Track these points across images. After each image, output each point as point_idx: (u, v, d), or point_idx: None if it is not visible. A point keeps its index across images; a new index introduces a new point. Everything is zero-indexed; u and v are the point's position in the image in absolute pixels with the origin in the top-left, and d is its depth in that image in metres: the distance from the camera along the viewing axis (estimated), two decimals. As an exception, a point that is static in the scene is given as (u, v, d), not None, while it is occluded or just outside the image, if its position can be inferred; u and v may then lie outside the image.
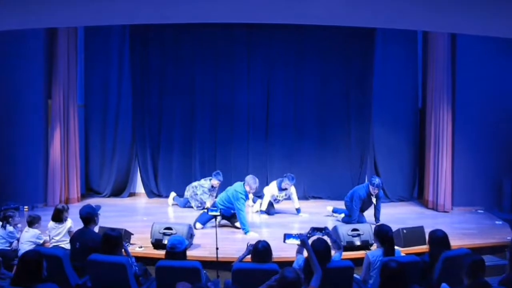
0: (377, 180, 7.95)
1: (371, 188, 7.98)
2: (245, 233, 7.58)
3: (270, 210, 8.92)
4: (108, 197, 10.20)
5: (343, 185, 10.19)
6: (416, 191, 10.37)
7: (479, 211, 9.38)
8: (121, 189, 10.36)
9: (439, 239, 5.16)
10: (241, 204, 7.68)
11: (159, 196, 10.37)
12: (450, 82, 9.30)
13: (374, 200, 8.09)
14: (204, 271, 4.94)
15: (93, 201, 8.83)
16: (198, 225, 7.84)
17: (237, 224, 7.94)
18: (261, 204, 8.99)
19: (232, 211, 7.89)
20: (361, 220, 8.00)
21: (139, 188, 10.54)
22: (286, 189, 8.76)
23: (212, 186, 9.15)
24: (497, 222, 8.64)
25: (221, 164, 10.18)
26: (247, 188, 7.80)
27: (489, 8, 5.24)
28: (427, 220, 8.25)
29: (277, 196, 8.89)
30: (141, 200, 10.32)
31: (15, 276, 4.13)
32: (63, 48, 9.27)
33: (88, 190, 10.37)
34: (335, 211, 8.70)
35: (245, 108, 10.27)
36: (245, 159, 10.24)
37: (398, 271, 4.24)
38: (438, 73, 9.31)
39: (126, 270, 4.78)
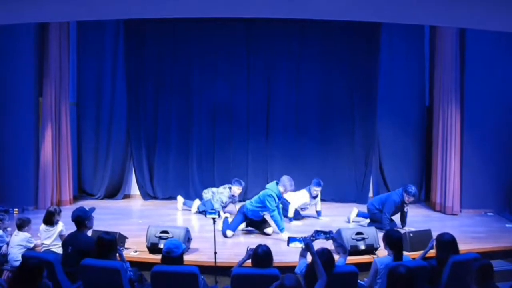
0: (413, 189, 7.87)
1: (406, 196, 7.89)
2: (281, 231, 7.56)
3: (297, 215, 8.78)
4: (102, 199, 10.20)
5: (348, 187, 10.22)
6: (423, 193, 10.36)
7: (489, 213, 9.38)
8: (115, 191, 10.36)
9: (447, 243, 5.16)
10: (271, 203, 7.59)
11: (155, 198, 10.37)
12: (459, 80, 9.29)
13: (406, 208, 8.04)
14: (202, 277, 4.94)
15: (85, 204, 8.83)
16: (229, 232, 7.68)
17: (267, 230, 7.85)
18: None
19: (261, 213, 7.81)
20: (392, 226, 7.88)
21: (134, 189, 10.54)
22: (317, 196, 8.77)
23: (233, 195, 8.95)
24: (507, 225, 8.64)
25: (220, 165, 10.19)
26: (282, 189, 7.67)
27: (500, 1, 5.23)
28: (435, 223, 8.24)
29: (308, 205, 8.84)
30: (136, 202, 10.32)
31: (12, 282, 4.13)
32: (54, 44, 9.26)
33: (81, 192, 10.38)
34: (360, 215, 8.50)
35: (245, 106, 10.26)
36: (244, 160, 10.24)
37: (407, 277, 4.23)
38: (446, 70, 9.30)
39: (120, 275, 4.78)
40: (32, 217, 6.92)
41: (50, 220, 6.49)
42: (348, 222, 8.55)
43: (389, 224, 7.84)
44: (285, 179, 7.72)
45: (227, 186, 9.02)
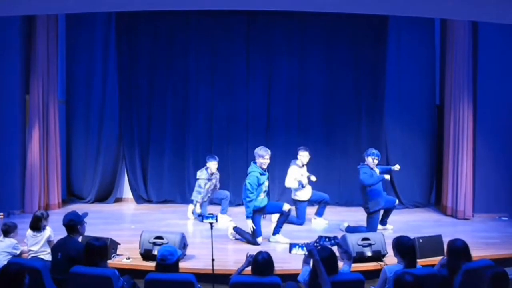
0: (370, 150, 8.04)
1: (370, 160, 7.98)
2: (247, 217, 7.50)
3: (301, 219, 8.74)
4: (92, 202, 10.22)
5: (353, 190, 10.18)
6: (433, 197, 10.38)
7: (503, 218, 9.38)
8: (106, 194, 10.38)
9: (459, 249, 5.15)
10: (251, 180, 7.44)
11: (149, 201, 10.38)
12: (471, 76, 9.29)
13: (378, 171, 8.08)
14: (199, 285, 4.95)
15: (75, 208, 8.84)
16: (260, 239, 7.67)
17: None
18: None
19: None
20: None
21: (127, 193, 10.57)
22: (304, 164, 8.76)
23: (212, 174, 8.90)
24: (523, 231, 8.65)
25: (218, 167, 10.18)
26: (260, 160, 7.53)
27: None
28: (446, 228, 8.25)
29: (302, 177, 8.71)
30: (128, 206, 10.34)
31: None
32: (42, 38, 9.27)
33: (70, 195, 10.39)
34: (348, 230, 8.25)
35: (244, 105, 10.29)
36: (244, 162, 10.21)
37: (414, 285, 4.23)
38: (458, 67, 9.29)
39: (112, 283, 4.78)
40: (18, 222, 6.91)
41: (37, 225, 6.49)
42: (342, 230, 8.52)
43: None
44: (256, 150, 7.65)
45: (203, 168, 9.01)
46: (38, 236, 6.48)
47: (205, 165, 9.00)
